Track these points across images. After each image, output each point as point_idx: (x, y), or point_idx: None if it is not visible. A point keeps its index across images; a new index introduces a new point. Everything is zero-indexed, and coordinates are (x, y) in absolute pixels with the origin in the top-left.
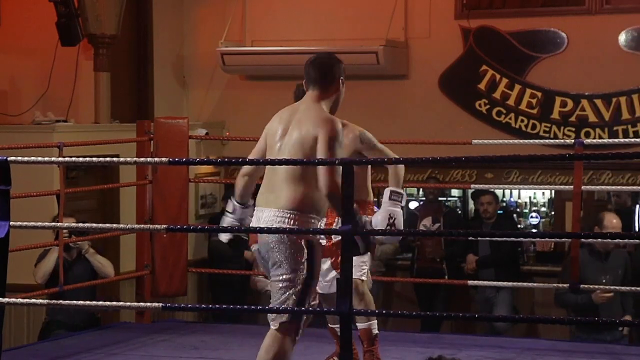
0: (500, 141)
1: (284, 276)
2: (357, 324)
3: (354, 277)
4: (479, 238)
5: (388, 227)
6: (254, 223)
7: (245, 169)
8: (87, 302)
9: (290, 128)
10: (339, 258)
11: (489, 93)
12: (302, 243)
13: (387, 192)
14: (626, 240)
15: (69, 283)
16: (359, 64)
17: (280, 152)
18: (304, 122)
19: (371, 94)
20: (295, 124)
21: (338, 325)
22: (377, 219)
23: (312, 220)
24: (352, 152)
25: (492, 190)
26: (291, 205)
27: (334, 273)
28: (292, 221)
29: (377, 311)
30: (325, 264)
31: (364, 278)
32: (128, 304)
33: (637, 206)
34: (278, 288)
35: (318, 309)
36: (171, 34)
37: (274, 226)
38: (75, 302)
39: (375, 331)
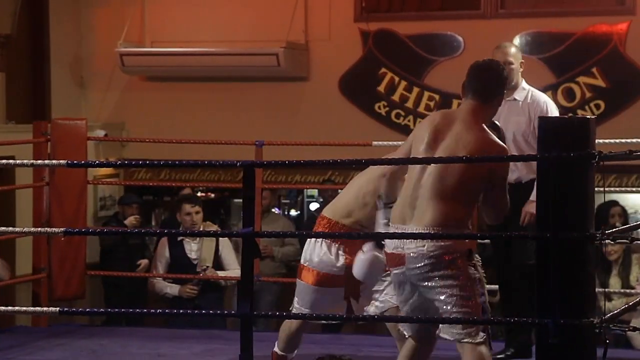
0: (400, 143)
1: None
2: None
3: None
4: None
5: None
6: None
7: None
8: None
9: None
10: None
11: (388, 95)
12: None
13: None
14: None
15: None
16: (260, 65)
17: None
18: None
19: (272, 96)
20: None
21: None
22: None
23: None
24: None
25: None
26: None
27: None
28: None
29: (277, 313)
30: None
31: None
32: (23, 308)
33: None
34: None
35: (218, 312)
36: (68, 34)
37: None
38: None
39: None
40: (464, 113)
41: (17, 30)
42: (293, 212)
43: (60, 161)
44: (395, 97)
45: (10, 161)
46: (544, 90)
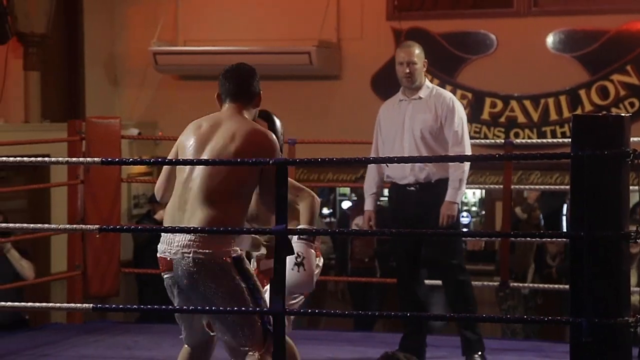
0: None
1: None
2: None
3: None
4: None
5: (295, 267)
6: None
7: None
8: (16, 304)
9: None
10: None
11: None
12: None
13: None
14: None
15: None
16: (292, 64)
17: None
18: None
19: (304, 95)
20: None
21: None
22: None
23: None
24: None
25: None
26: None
27: None
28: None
29: (309, 311)
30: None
31: None
32: (57, 305)
33: (565, 205)
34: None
35: (250, 309)
36: (102, 33)
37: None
38: (2, 303)
39: None
40: (226, 114)
41: (52, 29)
42: (325, 211)
43: (95, 158)
44: None
45: (46, 159)
46: (577, 89)
